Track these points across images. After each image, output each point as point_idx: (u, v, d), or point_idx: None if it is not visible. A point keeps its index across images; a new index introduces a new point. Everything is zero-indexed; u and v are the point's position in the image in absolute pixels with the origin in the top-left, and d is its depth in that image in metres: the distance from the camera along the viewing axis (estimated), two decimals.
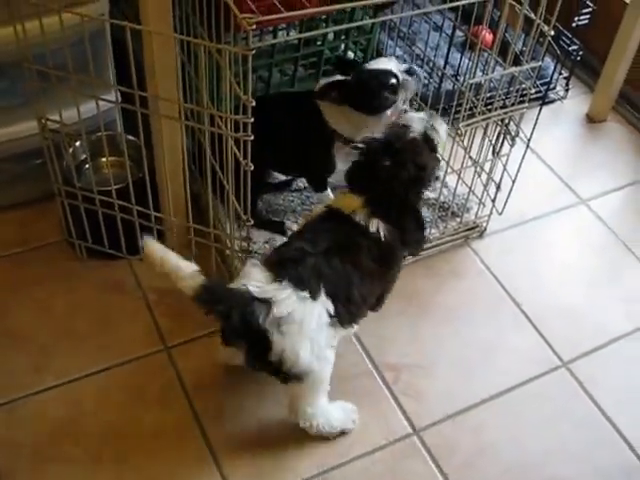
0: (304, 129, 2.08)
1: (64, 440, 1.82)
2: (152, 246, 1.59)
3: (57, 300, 2.10)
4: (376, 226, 1.75)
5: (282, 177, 2.40)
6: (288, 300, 1.60)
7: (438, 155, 1.89)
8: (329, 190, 2.22)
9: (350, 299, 1.71)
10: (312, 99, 2.05)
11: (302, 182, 2.38)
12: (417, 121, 1.85)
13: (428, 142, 1.85)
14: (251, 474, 1.80)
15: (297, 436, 1.86)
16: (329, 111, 2.06)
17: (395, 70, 2.00)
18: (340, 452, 1.85)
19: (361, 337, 2.04)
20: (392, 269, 1.85)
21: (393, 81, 2.00)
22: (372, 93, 2.01)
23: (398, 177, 1.76)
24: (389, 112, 2.04)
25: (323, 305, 1.65)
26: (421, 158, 1.80)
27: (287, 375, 1.66)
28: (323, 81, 2.06)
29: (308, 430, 1.83)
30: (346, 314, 1.71)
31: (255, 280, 1.62)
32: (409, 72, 2.02)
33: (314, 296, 1.63)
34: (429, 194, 2.26)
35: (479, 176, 2.25)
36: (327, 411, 1.83)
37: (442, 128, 1.89)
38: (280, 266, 1.65)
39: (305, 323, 1.61)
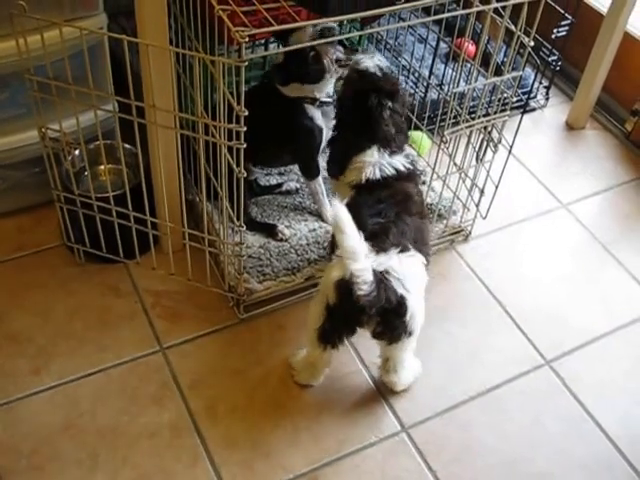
0: (275, 111, 2.13)
1: (62, 439, 1.85)
2: (343, 214, 1.63)
3: (56, 303, 2.12)
4: (400, 162, 1.93)
5: (272, 181, 2.44)
6: (402, 263, 1.73)
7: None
8: (321, 178, 2.27)
9: (425, 242, 1.88)
10: (269, 84, 2.14)
11: (294, 184, 2.43)
12: (368, 60, 1.98)
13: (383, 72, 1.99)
14: (244, 471, 1.83)
15: (289, 434, 1.90)
16: (283, 88, 2.12)
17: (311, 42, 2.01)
18: (331, 449, 1.88)
19: (352, 338, 2.02)
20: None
21: (311, 53, 2.05)
22: (305, 72, 2.08)
23: (398, 112, 1.96)
24: (329, 75, 2.11)
25: (419, 258, 1.80)
26: (398, 87, 1.99)
27: (409, 331, 1.78)
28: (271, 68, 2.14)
29: (395, 386, 1.97)
30: (426, 257, 1.86)
31: (365, 258, 1.68)
32: (322, 35, 2.02)
33: (413, 253, 1.78)
34: None
35: (463, 182, 2.28)
36: (411, 363, 1.97)
37: (382, 59, 2.02)
38: (375, 239, 1.75)
39: (418, 277, 1.79)
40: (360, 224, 1.78)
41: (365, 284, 1.61)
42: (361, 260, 1.61)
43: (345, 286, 1.67)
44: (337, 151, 2.03)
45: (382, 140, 1.93)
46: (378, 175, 1.91)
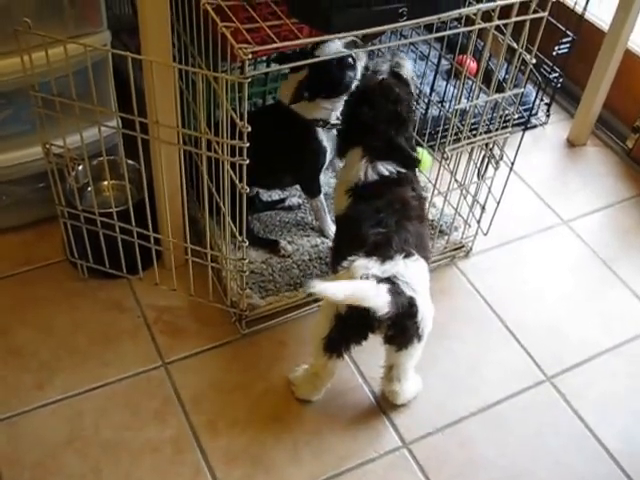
0: (284, 133, 2.14)
1: (65, 453, 1.85)
2: (322, 287, 1.64)
3: (59, 318, 2.13)
4: (386, 168, 1.94)
5: (275, 196, 2.45)
6: (408, 267, 1.76)
7: (410, 86, 2.05)
8: (322, 195, 2.28)
9: (424, 245, 1.89)
10: (281, 106, 2.14)
11: (296, 199, 2.43)
12: (382, 64, 2.00)
13: (397, 78, 1.99)
14: None
15: (289, 449, 1.90)
16: (302, 107, 2.11)
17: (345, 49, 2.02)
18: (331, 464, 1.88)
19: (352, 353, 2.04)
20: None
21: (350, 61, 2.07)
22: (339, 82, 2.08)
23: (378, 119, 1.94)
24: (354, 85, 2.12)
25: (422, 263, 1.83)
26: (393, 95, 1.97)
27: (419, 334, 1.80)
28: (285, 84, 2.14)
29: (397, 397, 1.97)
30: (427, 260, 1.89)
31: (370, 268, 1.73)
32: (355, 44, 2.04)
33: (417, 258, 1.80)
34: None
35: (465, 198, 2.29)
36: (414, 377, 1.98)
37: (407, 63, 2.03)
38: (379, 249, 1.77)
39: (424, 279, 1.82)
40: (362, 236, 1.82)
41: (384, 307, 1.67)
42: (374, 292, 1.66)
43: None
44: (342, 137, 2.06)
45: (368, 145, 1.96)
46: (370, 178, 1.93)
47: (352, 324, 1.75)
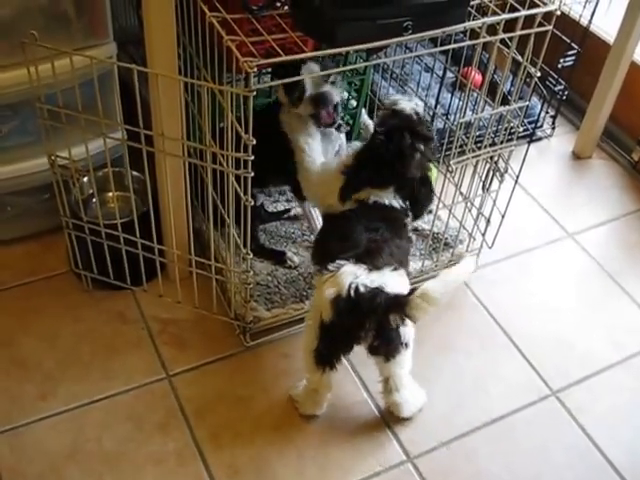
0: (274, 132, 2.14)
1: (68, 465, 1.85)
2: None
3: (63, 329, 2.13)
4: (400, 202, 1.94)
5: (279, 207, 2.46)
6: (395, 280, 1.75)
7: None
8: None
9: (406, 265, 1.91)
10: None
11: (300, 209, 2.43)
12: (405, 102, 1.98)
13: (418, 117, 1.98)
14: None
15: (294, 463, 1.89)
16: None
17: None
18: (336, 479, 1.88)
19: (357, 367, 2.08)
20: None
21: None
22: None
23: (428, 158, 1.96)
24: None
25: (406, 279, 1.83)
26: (420, 134, 1.94)
27: (404, 343, 1.80)
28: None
29: (399, 408, 1.96)
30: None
31: (358, 276, 1.72)
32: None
33: (403, 273, 1.81)
34: (423, 225, 2.35)
35: (469, 211, 2.29)
36: (414, 387, 1.97)
37: (420, 103, 2.03)
38: (370, 256, 1.77)
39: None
40: (356, 238, 1.82)
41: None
42: None
43: (342, 303, 1.70)
44: (357, 179, 1.96)
45: (403, 183, 1.93)
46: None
47: (336, 333, 1.76)
